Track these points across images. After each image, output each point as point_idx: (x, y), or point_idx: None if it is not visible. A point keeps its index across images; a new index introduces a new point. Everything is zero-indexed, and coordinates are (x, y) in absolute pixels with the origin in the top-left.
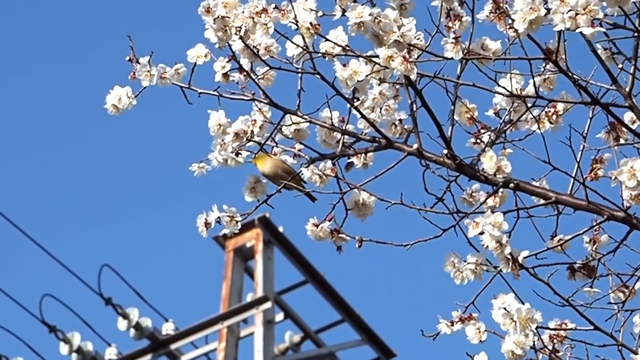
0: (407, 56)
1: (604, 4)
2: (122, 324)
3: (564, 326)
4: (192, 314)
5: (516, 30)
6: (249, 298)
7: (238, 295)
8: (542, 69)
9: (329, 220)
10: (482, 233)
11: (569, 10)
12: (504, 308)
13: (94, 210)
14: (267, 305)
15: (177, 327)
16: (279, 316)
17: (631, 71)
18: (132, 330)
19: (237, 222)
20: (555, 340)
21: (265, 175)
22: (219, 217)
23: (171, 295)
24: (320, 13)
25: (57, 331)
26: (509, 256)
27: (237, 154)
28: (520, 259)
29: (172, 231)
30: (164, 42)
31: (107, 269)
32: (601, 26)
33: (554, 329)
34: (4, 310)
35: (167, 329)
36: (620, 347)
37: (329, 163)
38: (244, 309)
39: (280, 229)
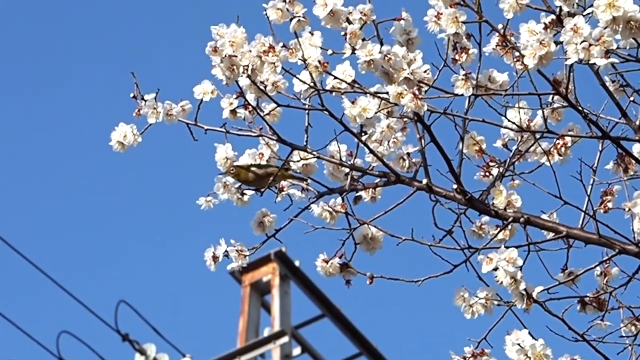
0: (417, 93)
1: (617, 36)
2: None
3: None
4: (209, 349)
5: (525, 65)
6: (266, 332)
7: (255, 330)
8: (550, 102)
9: (339, 257)
10: (496, 269)
11: (583, 42)
12: (518, 344)
13: (109, 246)
14: (284, 339)
15: None
16: (296, 350)
17: None
18: None
19: (245, 256)
20: None
21: (250, 184)
22: (226, 251)
23: (188, 330)
24: (329, 51)
25: None
26: (523, 292)
27: (242, 194)
28: (534, 294)
29: (187, 266)
30: (166, 59)
31: (123, 305)
32: (609, 57)
33: None
34: (21, 348)
35: None
36: None
37: (338, 199)
38: (261, 343)
39: (297, 263)
